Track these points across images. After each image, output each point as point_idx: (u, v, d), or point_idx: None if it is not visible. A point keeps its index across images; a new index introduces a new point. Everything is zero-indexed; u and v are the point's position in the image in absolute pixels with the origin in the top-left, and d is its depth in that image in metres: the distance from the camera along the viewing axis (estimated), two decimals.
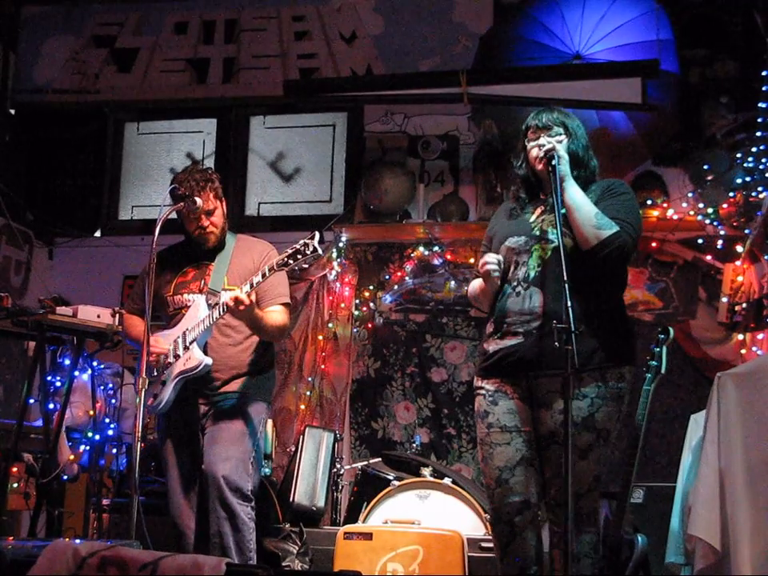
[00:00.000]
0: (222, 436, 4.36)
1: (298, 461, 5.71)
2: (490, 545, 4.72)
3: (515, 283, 3.77)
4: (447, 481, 5.25)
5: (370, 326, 7.08)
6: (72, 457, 5.74)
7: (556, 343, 3.39)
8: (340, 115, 7.83)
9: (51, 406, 5.58)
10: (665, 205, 6.63)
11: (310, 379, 6.97)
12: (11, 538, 4.52)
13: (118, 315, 5.46)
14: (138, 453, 3.95)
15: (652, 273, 6.66)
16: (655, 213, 6.56)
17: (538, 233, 3.79)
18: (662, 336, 4.34)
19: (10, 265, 7.67)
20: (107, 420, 6.05)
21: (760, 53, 6.51)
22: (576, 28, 6.56)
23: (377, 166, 7.25)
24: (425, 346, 7.02)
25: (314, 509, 5.63)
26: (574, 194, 3.72)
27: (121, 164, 8.22)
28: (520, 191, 4.01)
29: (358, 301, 7.09)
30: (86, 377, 5.99)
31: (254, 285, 4.19)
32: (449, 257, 6.95)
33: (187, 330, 4.36)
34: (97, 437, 5.86)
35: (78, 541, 3.74)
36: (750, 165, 6.31)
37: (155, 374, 4.40)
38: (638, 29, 6.51)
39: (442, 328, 7.02)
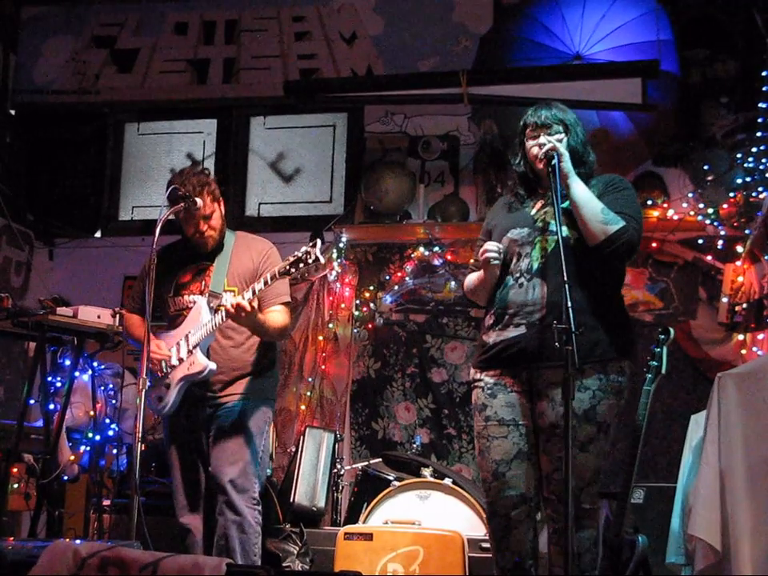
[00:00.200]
0: (229, 439, 4.37)
1: (298, 461, 5.71)
2: None
3: (518, 274, 3.78)
4: (447, 481, 5.26)
5: (370, 326, 7.08)
6: (72, 457, 5.74)
7: (556, 344, 3.40)
8: (340, 116, 7.82)
9: (52, 406, 5.58)
10: (665, 205, 6.63)
11: (310, 380, 6.97)
12: (12, 538, 4.53)
13: (118, 316, 5.46)
14: (139, 453, 3.94)
15: (652, 273, 6.66)
16: (655, 213, 6.56)
17: (540, 224, 3.80)
18: (663, 336, 4.34)
19: (11, 265, 7.67)
20: (107, 420, 6.05)
21: (760, 53, 6.51)
22: (576, 28, 6.56)
23: (377, 166, 7.25)
24: (425, 347, 7.02)
25: (315, 509, 5.63)
26: (579, 190, 3.73)
27: (121, 164, 8.22)
28: (518, 187, 4.01)
29: (358, 301, 7.09)
30: (86, 377, 5.99)
31: (256, 292, 4.20)
32: (449, 257, 6.95)
33: (190, 332, 4.36)
34: (97, 437, 5.86)
35: (78, 541, 3.75)
36: (750, 165, 6.31)
37: (158, 376, 4.40)
38: (638, 29, 6.51)
39: (442, 328, 7.01)
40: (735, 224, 6.39)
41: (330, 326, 7.04)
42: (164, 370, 4.39)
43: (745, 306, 6.15)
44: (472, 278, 4.00)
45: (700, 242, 6.53)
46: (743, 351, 6.18)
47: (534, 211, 3.89)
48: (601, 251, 3.69)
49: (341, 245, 7.11)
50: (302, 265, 4.04)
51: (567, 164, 3.75)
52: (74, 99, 8.06)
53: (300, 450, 5.77)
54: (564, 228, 3.71)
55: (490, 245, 3.79)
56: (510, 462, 3.74)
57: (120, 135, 8.25)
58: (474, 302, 4.13)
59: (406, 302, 7.08)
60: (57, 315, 5.33)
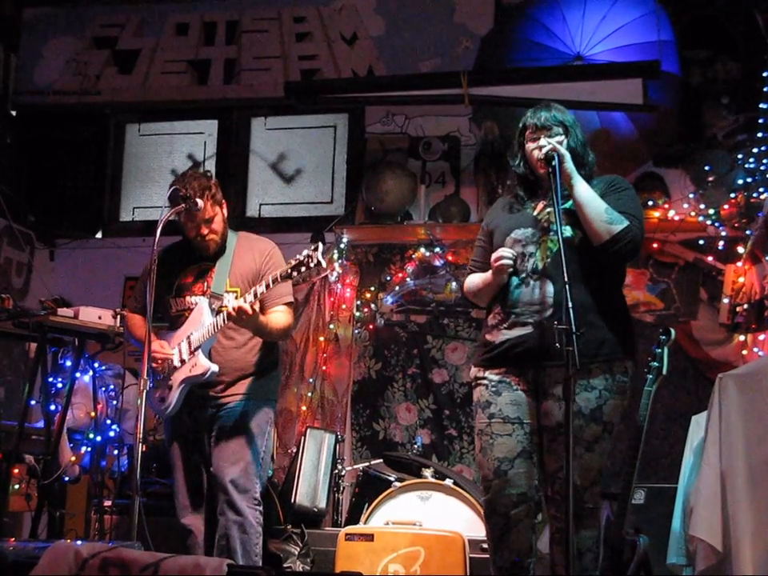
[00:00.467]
0: (230, 439, 4.37)
1: (299, 462, 5.71)
2: None
3: (524, 274, 3.78)
4: (448, 482, 5.25)
5: (371, 327, 7.08)
6: (73, 458, 5.74)
7: (557, 344, 3.40)
8: (341, 116, 7.83)
9: (52, 407, 5.58)
10: (666, 206, 6.62)
11: (311, 380, 6.97)
12: (13, 539, 4.53)
13: (119, 316, 5.46)
14: (140, 454, 3.95)
15: (653, 274, 6.66)
16: (656, 214, 6.56)
17: (545, 224, 3.81)
18: (664, 337, 4.34)
19: (12, 266, 7.67)
20: (108, 421, 6.05)
21: (761, 53, 6.51)
22: (577, 29, 6.56)
23: (378, 167, 7.25)
24: (426, 347, 7.01)
25: (316, 510, 5.63)
26: (583, 190, 3.74)
27: (122, 165, 8.22)
28: (518, 188, 4.01)
29: (359, 302, 7.09)
30: (87, 378, 6.00)
31: (258, 295, 4.20)
32: (450, 258, 6.95)
33: (191, 333, 4.36)
34: (98, 438, 5.87)
35: (79, 542, 3.75)
36: (751, 166, 6.31)
37: (160, 378, 4.40)
38: (639, 30, 6.51)
39: (443, 329, 7.01)
40: (736, 225, 6.39)
41: (331, 326, 7.04)
42: (167, 370, 4.39)
43: (746, 306, 6.15)
44: (474, 280, 4.00)
45: (701, 242, 6.52)
46: (744, 352, 6.18)
47: (536, 212, 3.89)
48: (605, 250, 3.70)
49: (342, 245, 7.11)
50: (303, 268, 4.04)
51: (569, 164, 3.76)
52: (74, 100, 8.07)
53: (301, 450, 5.77)
54: (568, 228, 3.72)
55: (505, 252, 3.78)
56: (512, 461, 3.74)
57: (121, 136, 8.25)
58: (473, 303, 4.13)
59: (406, 303, 7.08)
60: (58, 316, 5.33)
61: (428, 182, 7.36)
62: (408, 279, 7.04)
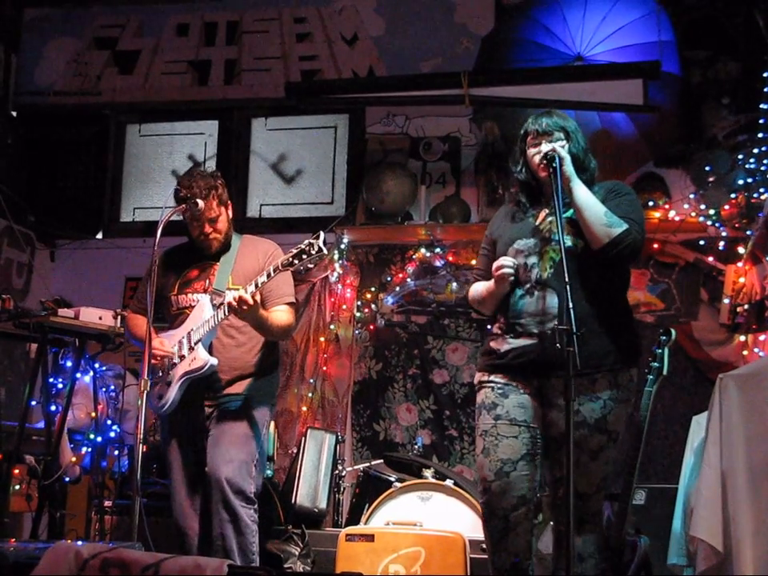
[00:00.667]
0: (226, 438, 4.37)
1: (299, 462, 5.71)
2: None
3: (528, 285, 3.77)
4: (449, 482, 5.25)
5: (371, 327, 7.07)
6: (74, 459, 5.74)
7: (557, 345, 3.40)
8: (341, 117, 7.83)
9: (53, 407, 5.59)
10: (666, 206, 6.62)
11: (311, 381, 6.97)
12: (13, 539, 4.52)
13: (119, 317, 5.46)
14: (140, 454, 3.95)
15: (654, 274, 6.66)
16: (657, 214, 6.56)
17: (547, 234, 3.80)
18: (664, 337, 4.35)
19: (12, 267, 7.68)
20: (109, 422, 6.05)
21: (761, 54, 6.52)
22: (577, 29, 6.56)
23: (378, 167, 7.25)
24: (426, 348, 7.01)
25: (316, 510, 5.63)
26: (581, 194, 3.73)
27: (122, 166, 8.23)
28: (520, 195, 4.01)
29: (359, 302, 7.09)
30: (87, 379, 6.00)
31: (259, 285, 4.19)
32: (450, 258, 6.94)
33: (192, 330, 4.36)
34: (99, 439, 5.87)
35: (79, 542, 3.75)
36: (752, 166, 6.32)
37: (160, 374, 4.40)
38: (640, 30, 6.50)
39: (443, 329, 7.01)
40: (737, 225, 6.39)
41: (332, 327, 7.04)
42: (167, 366, 4.39)
43: (746, 307, 6.15)
44: (479, 289, 3.99)
45: (701, 243, 6.53)
46: (745, 352, 6.18)
47: (538, 221, 3.88)
48: (605, 254, 3.70)
49: (342, 246, 7.11)
50: (305, 256, 4.03)
51: (569, 167, 3.76)
52: (75, 101, 8.07)
53: (301, 451, 5.76)
54: (570, 237, 3.71)
55: (505, 261, 3.78)
56: (516, 463, 3.73)
57: (121, 136, 8.26)
58: (478, 312, 4.13)
59: (407, 303, 7.08)
60: (58, 317, 5.33)
61: (428, 183, 7.36)
62: (408, 280, 7.04)
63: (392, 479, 5.45)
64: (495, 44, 7.11)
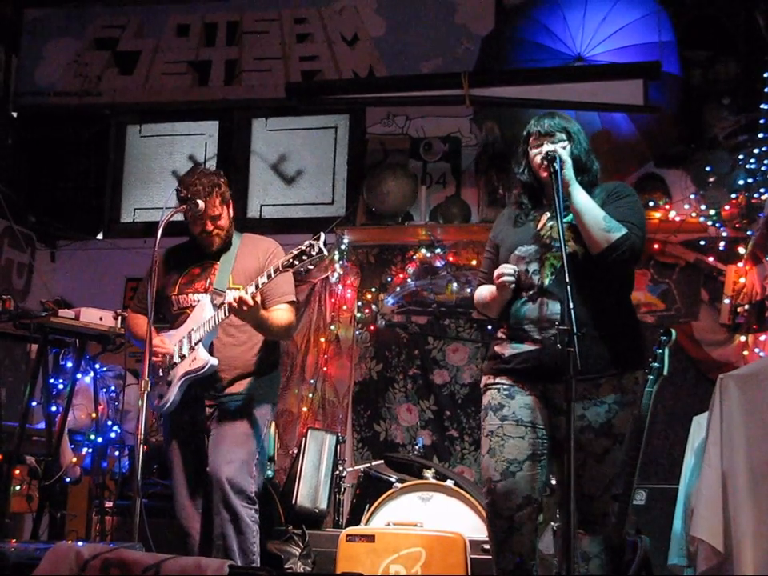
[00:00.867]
0: (227, 438, 4.36)
1: (300, 463, 5.71)
2: None
3: (531, 291, 3.77)
4: (449, 483, 5.26)
5: (372, 328, 7.08)
6: (74, 459, 5.74)
7: (558, 345, 3.40)
8: (342, 117, 7.84)
9: (54, 408, 5.58)
10: (667, 206, 6.63)
11: (312, 381, 6.97)
12: (14, 540, 4.53)
13: (120, 318, 5.46)
14: (141, 455, 3.95)
15: (654, 274, 6.66)
16: (657, 215, 6.56)
17: (548, 240, 3.79)
18: (665, 338, 4.35)
19: (13, 267, 7.68)
20: (109, 422, 6.05)
21: (761, 54, 6.52)
22: (578, 30, 6.56)
23: (379, 168, 7.26)
24: (427, 348, 7.01)
25: (317, 511, 5.63)
26: (580, 198, 3.72)
27: (123, 166, 8.23)
28: (522, 197, 4.00)
29: (360, 303, 7.09)
30: (88, 379, 6.00)
31: (259, 286, 4.19)
32: (451, 259, 6.95)
33: (192, 329, 4.36)
34: (99, 439, 5.87)
35: (80, 543, 3.75)
36: (752, 166, 6.32)
37: (161, 374, 4.40)
38: (640, 30, 6.50)
39: (444, 330, 7.01)
40: (737, 225, 6.40)
41: (332, 327, 7.04)
42: (167, 365, 4.40)
43: (747, 307, 6.15)
44: (483, 293, 3.99)
45: (702, 243, 6.53)
46: (745, 353, 6.18)
47: (539, 225, 3.87)
48: (604, 259, 3.68)
49: (342, 246, 7.11)
50: (305, 257, 4.03)
51: (569, 171, 3.74)
52: (75, 101, 8.07)
53: (302, 451, 5.77)
54: (572, 243, 3.71)
55: (507, 268, 3.76)
56: (522, 463, 3.72)
57: (122, 137, 8.26)
58: (485, 314, 4.14)
59: (407, 304, 7.08)
60: (59, 317, 5.33)
61: (429, 183, 7.36)
62: (409, 280, 7.04)
63: (392, 480, 5.45)
64: (495, 44, 7.11)
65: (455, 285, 6.92)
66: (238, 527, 4.29)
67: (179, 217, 4.47)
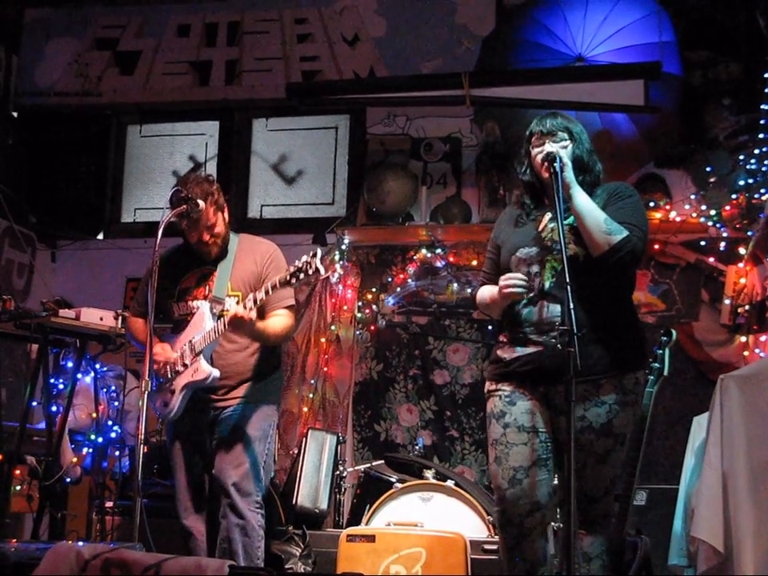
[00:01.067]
0: (233, 442, 4.37)
1: (300, 463, 5.71)
2: (493, 547, 4.75)
3: (532, 294, 3.76)
4: (450, 483, 5.26)
5: (372, 328, 7.07)
6: (75, 459, 5.74)
7: (559, 345, 3.40)
8: (342, 117, 7.84)
9: (54, 408, 5.58)
10: (667, 207, 6.62)
11: (312, 382, 6.96)
12: (14, 540, 4.53)
13: (120, 318, 5.46)
14: (141, 455, 3.95)
15: (654, 275, 6.66)
16: (658, 215, 6.55)
17: (549, 243, 3.78)
18: (665, 338, 4.36)
19: (13, 267, 7.67)
20: (110, 422, 6.05)
21: (762, 54, 6.51)
22: (578, 30, 6.56)
23: (379, 168, 7.25)
24: (427, 349, 7.01)
25: (317, 511, 5.63)
26: (581, 200, 3.70)
27: (123, 166, 8.24)
28: (524, 197, 3.99)
29: (360, 303, 7.08)
30: (88, 379, 6.00)
31: (257, 302, 4.19)
32: (451, 259, 6.94)
33: (193, 338, 4.36)
34: (100, 439, 5.87)
35: (80, 543, 3.75)
36: (753, 167, 6.32)
37: (164, 382, 4.40)
38: (641, 31, 6.50)
39: (444, 330, 7.01)
40: (738, 226, 6.39)
41: (333, 327, 7.03)
42: (169, 372, 4.39)
43: (747, 307, 6.15)
44: (484, 294, 3.97)
45: (702, 243, 6.52)
46: (745, 353, 6.18)
47: (540, 226, 3.86)
48: (605, 261, 3.67)
49: (343, 247, 7.10)
50: (302, 275, 4.02)
51: (569, 174, 3.73)
52: (76, 101, 8.07)
53: (302, 452, 5.76)
54: (573, 245, 3.70)
55: (517, 280, 3.73)
56: (528, 469, 3.72)
57: (122, 137, 8.27)
58: (486, 314, 4.14)
59: (408, 304, 7.08)
60: (59, 317, 5.33)
61: (429, 183, 7.36)
62: (409, 280, 7.03)
63: (393, 480, 5.45)
64: (496, 45, 7.11)
65: (456, 285, 6.92)
66: (244, 531, 4.30)
67: (175, 222, 4.45)
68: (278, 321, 4.44)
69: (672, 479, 5.24)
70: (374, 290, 7.10)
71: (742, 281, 6.21)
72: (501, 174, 6.94)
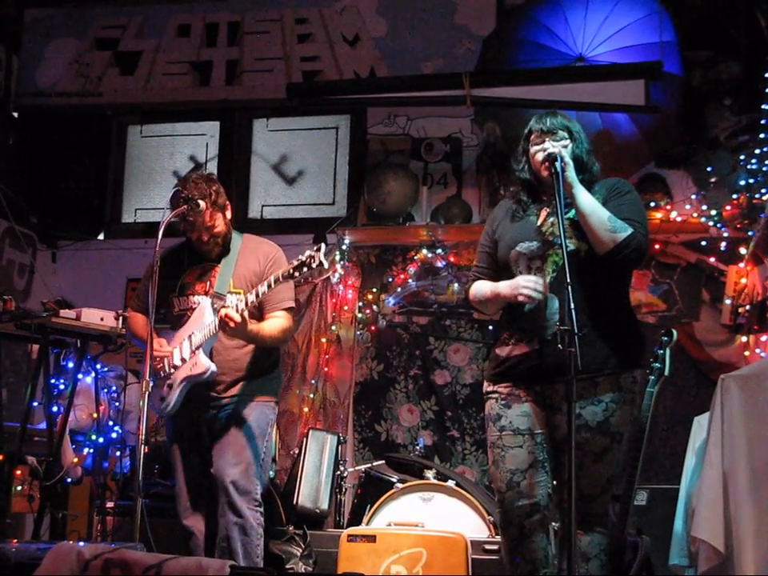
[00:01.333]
0: (231, 440, 4.37)
1: (301, 463, 5.70)
2: (494, 547, 4.75)
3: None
4: (451, 483, 5.26)
5: (373, 328, 7.07)
6: (76, 459, 5.75)
7: (559, 345, 3.40)
8: (343, 118, 7.84)
9: (55, 408, 5.59)
10: (668, 207, 6.62)
11: (313, 382, 6.96)
12: (15, 540, 4.53)
13: (121, 318, 5.46)
14: (142, 455, 3.95)
15: (655, 275, 6.65)
16: (658, 215, 6.55)
17: (551, 238, 3.77)
18: (666, 338, 4.35)
19: (14, 268, 7.68)
20: (111, 423, 6.05)
21: (763, 54, 6.52)
22: (579, 30, 6.56)
23: (380, 168, 7.25)
24: (428, 349, 7.01)
25: (318, 511, 5.63)
26: (584, 200, 3.69)
27: (124, 167, 8.24)
28: (520, 193, 3.98)
29: (361, 303, 7.08)
30: (89, 379, 6.01)
31: (259, 295, 4.19)
32: (452, 259, 6.94)
33: (193, 333, 4.36)
34: (100, 439, 5.87)
35: (81, 543, 3.75)
36: (754, 167, 6.32)
37: (162, 376, 4.40)
38: (641, 31, 6.50)
39: (445, 330, 7.01)
40: (738, 226, 6.39)
41: (333, 328, 7.03)
42: (166, 368, 4.39)
43: (748, 307, 6.15)
44: (482, 289, 3.92)
45: (703, 243, 6.52)
46: (746, 353, 6.18)
47: (539, 221, 3.85)
48: (611, 259, 3.67)
49: (344, 247, 7.10)
50: (305, 269, 4.03)
51: (571, 173, 3.71)
52: (76, 101, 8.07)
53: (303, 452, 5.76)
54: (574, 240, 3.70)
55: (537, 284, 3.66)
56: (524, 472, 3.72)
57: (123, 137, 8.27)
58: (478, 309, 4.11)
59: (408, 304, 7.08)
60: (60, 317, 5.33)
61: (430, 184, 7.36)
62: (410, 280, 7.03)
63: (394, 480, 5.45)
64: (497, 45, 7.12)
65: (456, 285, 6.92)
66: (243, 530, 4.30)
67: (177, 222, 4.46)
68: (275, 323, 4.44)
69: (673, 479, 5.24)
70: (374, 290, 7.10)
71: (743, 281, 6.21)
72: (501, 174, 6.94)
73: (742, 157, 6.44)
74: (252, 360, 4.49)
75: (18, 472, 5.57)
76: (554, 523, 4.34)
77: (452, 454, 6.81)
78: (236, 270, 4.51)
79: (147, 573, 3.21)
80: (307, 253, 4.03)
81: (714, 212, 6.47)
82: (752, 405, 4.05)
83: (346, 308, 7.07)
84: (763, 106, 6.27)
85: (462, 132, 7.43)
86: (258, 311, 4.46)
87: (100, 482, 5.81)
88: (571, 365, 3.35)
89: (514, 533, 3.73)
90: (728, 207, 6.43)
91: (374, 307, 7.08)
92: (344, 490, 5.84)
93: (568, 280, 3.43)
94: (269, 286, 4.16)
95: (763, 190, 6.23)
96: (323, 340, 7.01)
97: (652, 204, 6.56)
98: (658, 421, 6.22)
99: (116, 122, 8.24)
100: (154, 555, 3.43)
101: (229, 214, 4.57)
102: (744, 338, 6.23)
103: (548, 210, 3.85)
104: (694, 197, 6.63)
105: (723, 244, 6.42)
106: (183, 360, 4.36)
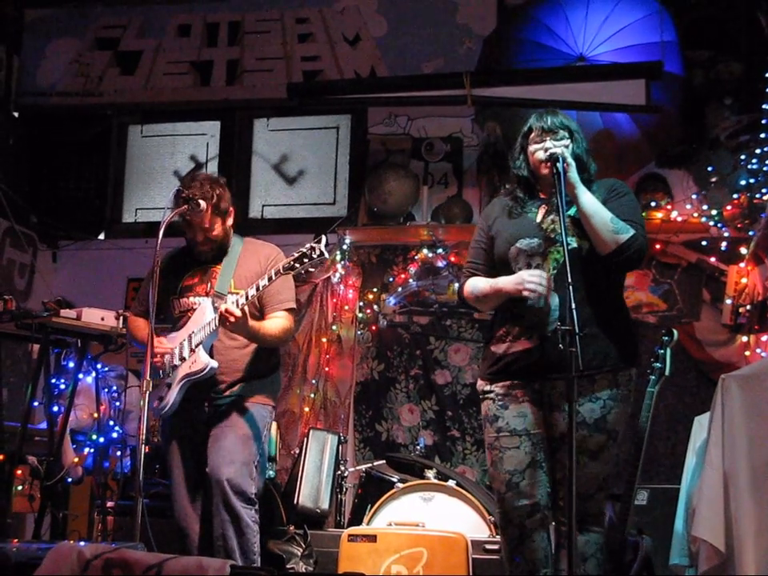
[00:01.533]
0: (227, 439, 4.37)
1: (302, 463, 5.71)
2: (494, 547, 4.75)
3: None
4: (451, 483, 5.26)
5: (373, 328, 7.07)
6: (76, 459, 5.74)
7: (560, 345, 3.40)
8: (343, 117, 7.83)
9: (55, 408, 5.59)
10: (668, 207, 6.62)
11: (313, 382, 6.96)
12: (16, 540, 4.53)
13: (121, 318, 5.46)
14: (142, 455, 3.95)
15: (656, 275, 6.65)
16: (659, 215, 6.55)
17: (552, 235, 3.77)
18: (667, 338, 4.35)
19: (14, 267, 7.68)
20: (111, 422, 6.05)
21: (764, 54, 6.52)
22: (580, 30, 6.56)
23: (380, 168, 7.25)
24: (429, 349, 7.00)
25: (318, 511, 5.63)
26: (587, 200, 3.70)
27: (124, 167, 8.24)
28: (517, 191, 3.98)
29: (361, 303, 7.08)
30: (90, 379, 6.00)
31: (260, 288, 4.20)
32: (453, 259, 6.94)
33: (193, 332, 4.36)
34: (101, 439, 5.87)
35: (82, 543, 3.75)
36: (754, 166, 6.31)
37: (161, 375, 4.40)
38: (642, 30, 6.50)
39: (445, 330, 7.01)
40: (739, 225, 6.39)
41: (334, 327, 7.03)
42: (167, 367, 4.39)
43: (748, 307, 6.15)
44: (479, 286, 3.91)
45: (704, 243, 6.51)
46: (747, 353, 6.17)
47: (539, 218, 3.85)
48: (613, 260, 3.68)
49: (344, 247, 7.10)
50: (306, 260, 4.03)
51: (573, 173, 3.71)
52: (77, 101, 8.07)
53: (304, 452, 5.76)
54: (575, 238, 3.70)
55: (543, 280, 3.66)
56: (523, 472, 3.73)
57: (123, 137, 8.27)
58: (473, 307, 4.09)
59: (409, 304, 7.07)
60: (60, 317, 5.33)
61: (430, 183, 7.36)
62: (411, 280, 7.03)
63: (394, 480, 5.45)
64: (497, 44, 7.11)
65: (457, 285, 6.89)
66: (238, 528, 4.30)
67: (179, 220, 4.46)
68: (275, 323, 4.44)
69: (673, 479, 5.24)
70: (375, 289, 7.09)
71: (744, 281, 6.21)
72: (502, 173, 6.92)
73: (742, 156, 6.43)
74: (252, 361, 4.49)
75: (19, 472, 5.57)
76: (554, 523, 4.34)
77: (452, 453, 6.81)
78: (237, 271, 4.51)
79: (148, 572, 3.21)
80: (308, 245, 4.04)
81: (714, 212, 6.47)
82: (753, 404, 4.05)
83: (346, 308, 7.06)
84: (764, 106, 6.26)
85: (463, 132, 7.43)
86: (259, 312, 4.46)
87: (100, 481, 5.81)
88: (572, 365, 3.35)
89: (515, 533, 3.73)
90: (729, 207, 6.43)
91: (375, 307, 7.07)
92: (344, 489, 5.84)
93: (569, 279, 3.43)
94: (269, 279, 4.16)
95: (764, 190, 6.22)
96: (324, 340, 7.01)
97: (653, 204, 6.56)
98: (658, 420, 6.21)
99: (116, 121, 8.24)
100: (155, 555, 3.44)
101: (230, 221, 4.56)
102: (744, 338, 6.23)
103: (546, 207, 3.85)
104: (694, 196, 6.63)
105: (724, 244, 6.41)
106: (183, 359, 4.36)
